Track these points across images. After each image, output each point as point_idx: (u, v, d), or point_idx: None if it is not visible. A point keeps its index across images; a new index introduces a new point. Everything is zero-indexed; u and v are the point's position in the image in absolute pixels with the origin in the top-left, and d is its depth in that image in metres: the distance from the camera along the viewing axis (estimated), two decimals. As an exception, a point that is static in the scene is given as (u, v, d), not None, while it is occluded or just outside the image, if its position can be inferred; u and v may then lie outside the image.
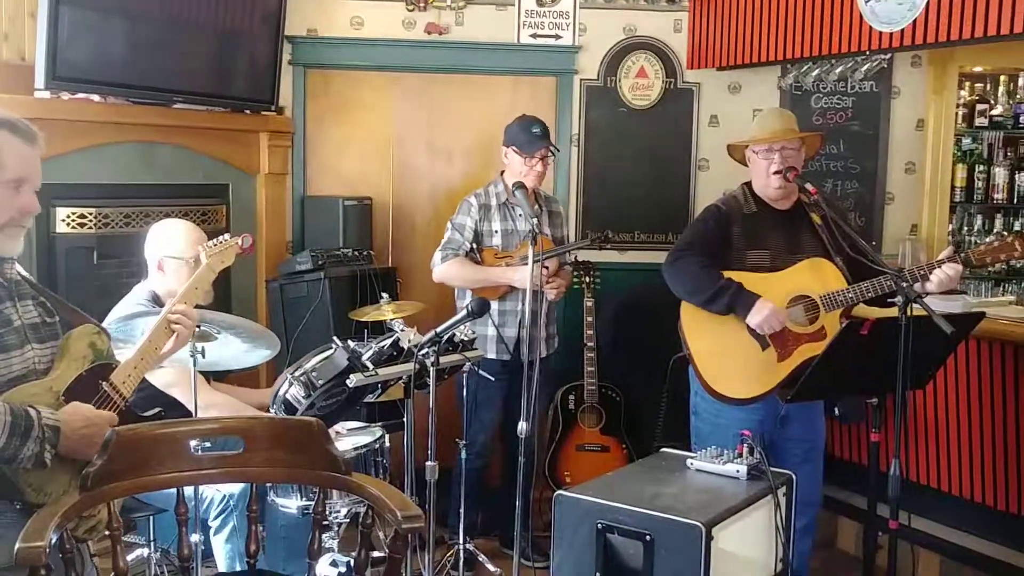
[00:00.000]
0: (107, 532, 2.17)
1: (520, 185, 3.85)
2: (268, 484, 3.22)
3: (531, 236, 3.48)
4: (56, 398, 2.19)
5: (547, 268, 4.17)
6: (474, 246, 4.25)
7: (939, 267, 3.22)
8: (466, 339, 3.48)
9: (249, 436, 2.36)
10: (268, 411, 3.41)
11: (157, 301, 3.34)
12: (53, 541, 1.92)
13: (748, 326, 3.36)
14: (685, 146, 5.27)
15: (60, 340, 2.26)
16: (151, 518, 3.30)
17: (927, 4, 3.94)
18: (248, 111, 4.82)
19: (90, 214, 3.95)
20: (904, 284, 3.00)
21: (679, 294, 3.47)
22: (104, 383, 2.31)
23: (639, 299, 4.92)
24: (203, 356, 3.04)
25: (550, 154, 4.26)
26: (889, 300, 3.19)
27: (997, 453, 3.85)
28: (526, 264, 4.07)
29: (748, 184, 3.59)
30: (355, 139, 5.22)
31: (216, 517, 3.26)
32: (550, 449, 4.76)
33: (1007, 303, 4.38)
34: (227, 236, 2.99)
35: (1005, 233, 5.47)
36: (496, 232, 4.27)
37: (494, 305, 4.20)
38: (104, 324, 3.09)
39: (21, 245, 2.23)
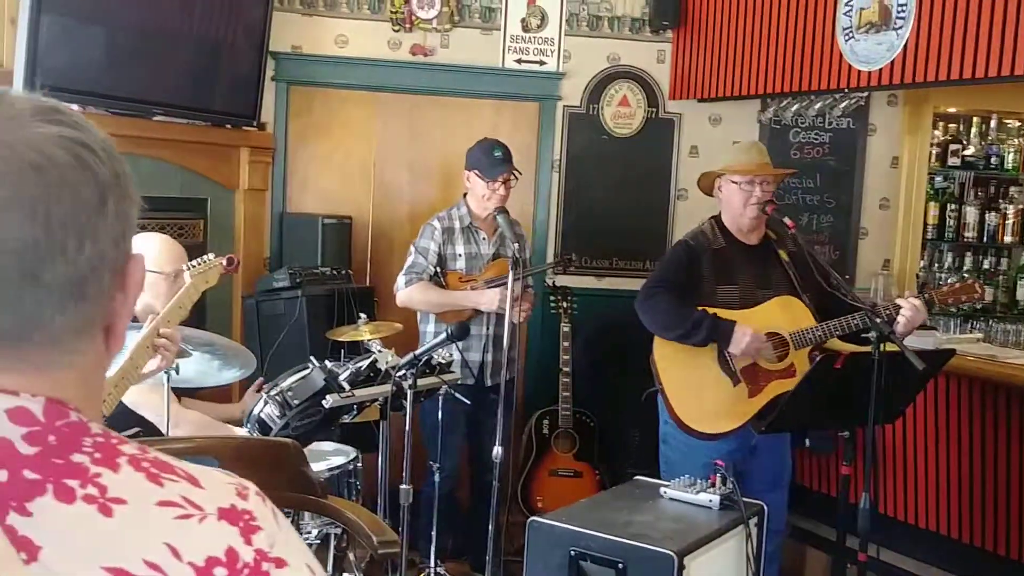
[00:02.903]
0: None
1: (502, 210, 3.86)
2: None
3: (512, 261, 3.50)
4: None
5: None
6: (438, 270, 4.23)
7: (904, 302, 3.28)
8: (443, 362, 3.48)
9: (223, 456, 2.34)
10: (240, 427, 3.40)
11: (133, 316, 3.31)
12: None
13: (719, 360, 3.39)
14: (665, 175, 5.31)
15: None
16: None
17: (905, 45, 4.01)
18: (229, 126, 4.81)
19: (66, 225, 3.92)
20: (878, 320, 3.04)
21: (653, 330, 3.50)
22: None
23: (615, 325, 4.93)
24: (177, 373, 3.01)
25: (512, 177, 4.25)
26: (863, 335, 3.22)
27: (963, 487, 3.90)
28: (491, 287, 4.10)
29: (716, 218, 3.63)
30: (336, 157, 5.22)
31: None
32: (523, 474, 4.76)
33: (975, 340, 4.44)
34: (211, 256, 2.97)
35: (967, 275, 5.56)
36: (460, 256, 4.25)
37: None
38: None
39: None
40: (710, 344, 3.39)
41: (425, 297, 4.20)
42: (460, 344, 4.15)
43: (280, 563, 0.83)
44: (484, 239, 4.27)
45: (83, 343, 0.85)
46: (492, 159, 4.17)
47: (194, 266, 2.89)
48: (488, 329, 4.20)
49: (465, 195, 4.32)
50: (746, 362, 3.40)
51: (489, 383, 4.19)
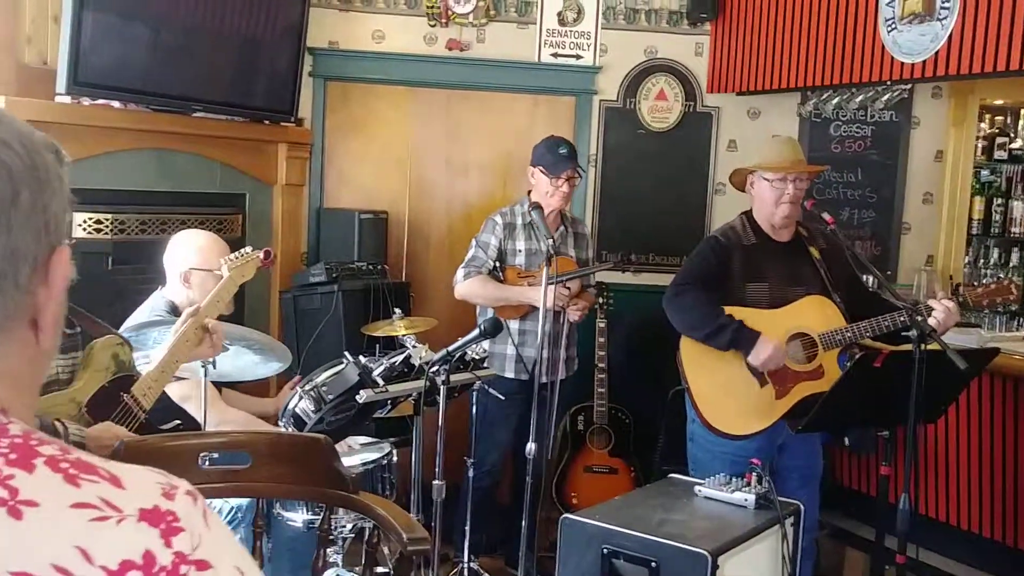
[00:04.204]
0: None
1: (537, 206, 3.85)
2: (274, 498, 3.21)
3: (546, 257, 3.48)
4: (78, 408, 2.19)
5: (568, 289, 4.15)
6: (497, 264, 4.24)
7: (936, 303, 3.21)
8: (478, 357, 3.47)
9: (256, 451, 2.36)
10: (275, 423, 3.42)
11: (175, 311, 3.34)
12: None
13: (746, 361, 3.35)
14: (702, 170, 5.26)
15: (83, 350, 2.26)
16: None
17: (949, 36, 3.93)
18: (267, 121, 4.84)
19: (106, 220, 3.97)
20: (919, 318, 2.98)
21: (679, 328, 3.47)
22: (125, 395, 2.31)
23: (652, 321, 4.88)
24: (214, 367, 3.04)
25: (576, 175, 4.25)
26: (902, 334, 3.17)
27: (1008, 488, 3.83)
28: (550, 284, 4.09)
29: (747, 214, 3.59)
30: (373, 152, 5.23)
31: (224, 528, 3.25)
32: (558, 470, 4.74)
33: (1021, 338, 4.35)
34: (248, 249, 2.99)
35: (1011, 272, 5.45)
36: (520, 251, 4.26)
37: (515, 324, 4.19)
38: (119, 331, 3.11)
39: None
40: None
41: (483, 291, 4.21)
42: (516, 339, 4.16)
43: (202, 565, 0.82)
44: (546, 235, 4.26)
45: (5, 336, 0.84)
46: (557, 156, 4.18)
47: (232, 260, 2.91)
48: (544, 326, 4.19)
49: (529, 192, 4.33)
50: (771, 368, 3.35)
51: (544, 380, 4.18)
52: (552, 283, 3.51)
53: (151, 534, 0.80)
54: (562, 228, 4.30)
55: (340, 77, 5.15)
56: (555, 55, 5.18)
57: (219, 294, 2.83)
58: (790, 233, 3.54)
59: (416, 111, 5.24)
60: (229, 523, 3.25)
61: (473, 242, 4.29)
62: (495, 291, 4.21)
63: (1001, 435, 3.83)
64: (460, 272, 4.25)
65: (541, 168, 4.20)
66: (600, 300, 4.63)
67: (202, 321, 2.64)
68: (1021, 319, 5.13)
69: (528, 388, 4.15)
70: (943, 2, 3.95)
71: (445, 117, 5.24)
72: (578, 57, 5.19)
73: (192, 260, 3.33)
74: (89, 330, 2.32)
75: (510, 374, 4.18)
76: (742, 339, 3.32)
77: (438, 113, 5.24)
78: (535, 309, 4.17)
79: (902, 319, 3.14)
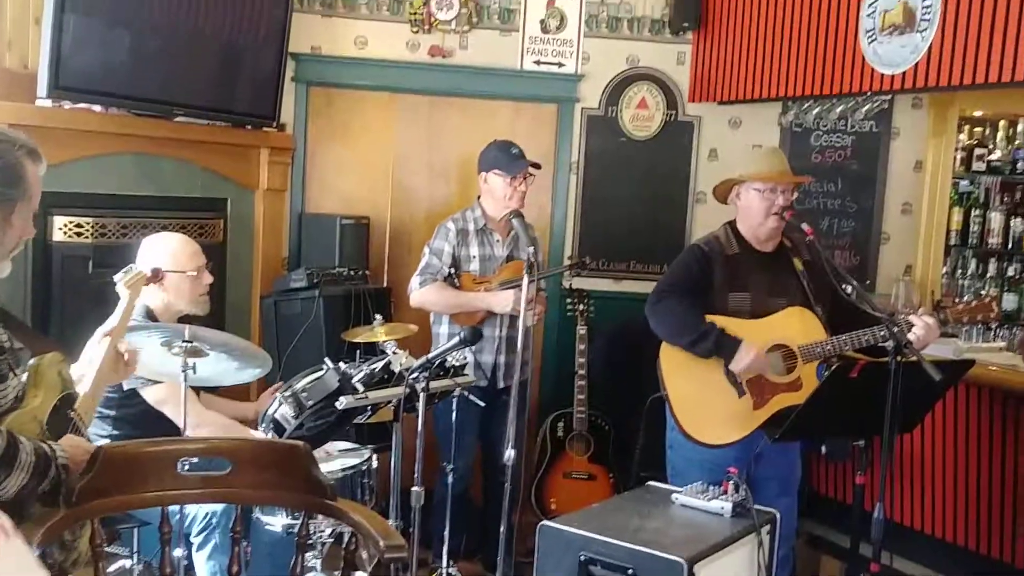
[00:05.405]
0: (91, 547, 2.17)
1: (517, 213, 3.86)
2: (253, 503, 3.21)
3: (527, 264, 3.50)
4: (40, 427, 2.18)
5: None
6: (452, 271, 4.24)
7: (917, 319, 3.23)
8: (457, 364, 3.48)
9: (235, 457, 2.36)
10: (255, 427, 3.42)
11: (151, 315, 3.34)
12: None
13: (726, 372, 3.37)
14: (683, 179, 5.29)
15: (30, 366, 2.24)
16: (135, 530, 3.29)
17: (929, 48, 3.97)
18: (249, 126, 4.84)
19: (87, 224, 3.96)
20: (896, 329, 3.01)
21: (661, 335, 3.48)
22: (72, 412, 2.31)
23: (632, 329, 4.90)
24: (194, 372, 3.04)
25: (531, 174, 4.24)
26: (880, 345, 3.19)
27: (981, 498, 3.87)
28: (504, 289, 4.10)
29: (731, 224, 3.60)
30: (355, 158, 5.23)
31: (198, 534, 3.24)
32: (537, 475, 4.75)
33: (997, 349, 4.39)
34: (133, 266, 3.06)
35: (983, 293, 5.49)
36: (474, 257, 4.25)
37: None
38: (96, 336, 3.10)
39: (9, 268, 2.18)
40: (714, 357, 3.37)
41: (439, 298, 4.20)
42: (473, 345, 4.15)
43: None
44: (498, 241, 4.27)
45: None
46: (511, 156, 4.18)
47: (122, 276, 2.96)
48: (501, 331, 4.20)
49: (479, 198, 4.32)
50: (752, 374, 3.38)
51: (502, 385, 4.19)
52: (517, 286, 3.52)
53: None
54: (514, 232, 4.27)
55: (323, 82, 5.15)
56: (537, 63, 5.20)
57: (123, 313, 2.84)
58: (774, 244, 3.56)
59: (398, 117, 5.24)
60: (203, 530, 3.24)
61: (426, 249, 4.27)
62: (452, 298, 4.20)
63: (976, 445, 3.87)
64: (415, 280, 4.23)
65: (496, 171, 4.18)
66: (581, 307, 4.64)
67: (117, 343, 2.64)
68: (999, 330, 5.18)
69: (487, 393, 4.16)
70: (923, 14, 3.98)
71: (427, 124, 5.25)
72: (560, 65, 5.21)
73: (165, 263, 3.34)
74: (28, 343, 2.28)
75: None
76: (724, 346, 3.34)
77: (420, 119, 5.24)
78: (492, 315, 4.18)
79: (882, 333, 3.16)
